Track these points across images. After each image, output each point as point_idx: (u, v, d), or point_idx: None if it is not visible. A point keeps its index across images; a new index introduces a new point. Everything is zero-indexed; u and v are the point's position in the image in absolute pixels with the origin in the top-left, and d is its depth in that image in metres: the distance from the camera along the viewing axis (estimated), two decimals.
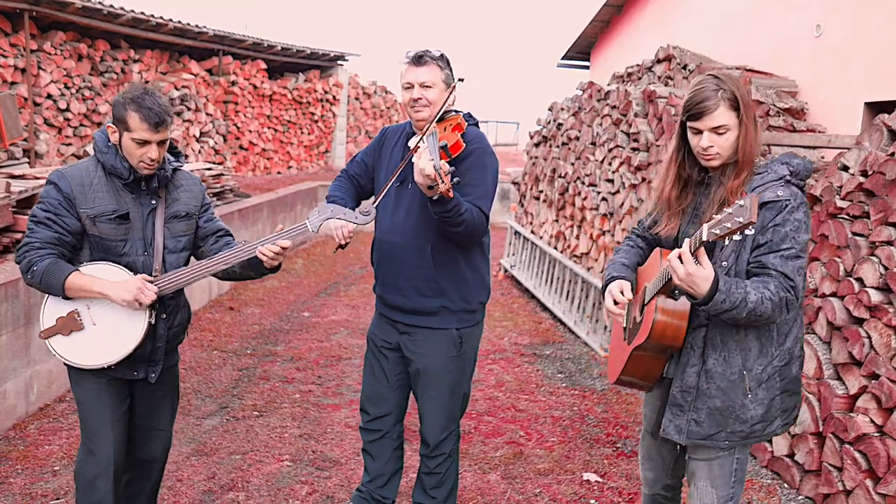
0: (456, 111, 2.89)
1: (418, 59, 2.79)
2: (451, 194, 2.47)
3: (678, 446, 2.43)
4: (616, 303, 2.33)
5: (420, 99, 2.78)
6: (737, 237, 1.88)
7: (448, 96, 2.78)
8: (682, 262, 1.98)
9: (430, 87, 2.78)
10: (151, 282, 2.53)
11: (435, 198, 2.52)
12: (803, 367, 2.30)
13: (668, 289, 2.14)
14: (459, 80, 2.78)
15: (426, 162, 2.44)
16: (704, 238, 1.93)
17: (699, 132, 2.17)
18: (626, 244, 2.55)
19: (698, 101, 2.14)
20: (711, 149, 2.16)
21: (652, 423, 2.49)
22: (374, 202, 2.80)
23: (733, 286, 2.03)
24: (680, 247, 2.03)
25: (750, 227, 1.84)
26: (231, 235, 2.82)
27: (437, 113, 2.74)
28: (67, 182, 2.50)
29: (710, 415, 2.22)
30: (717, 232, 1.90)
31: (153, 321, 2.57)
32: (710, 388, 2.21)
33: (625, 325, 2.45)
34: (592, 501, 3.58)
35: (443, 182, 2.41)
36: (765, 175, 2.17)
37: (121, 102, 2.46)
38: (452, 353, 2.91)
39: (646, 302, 2.27)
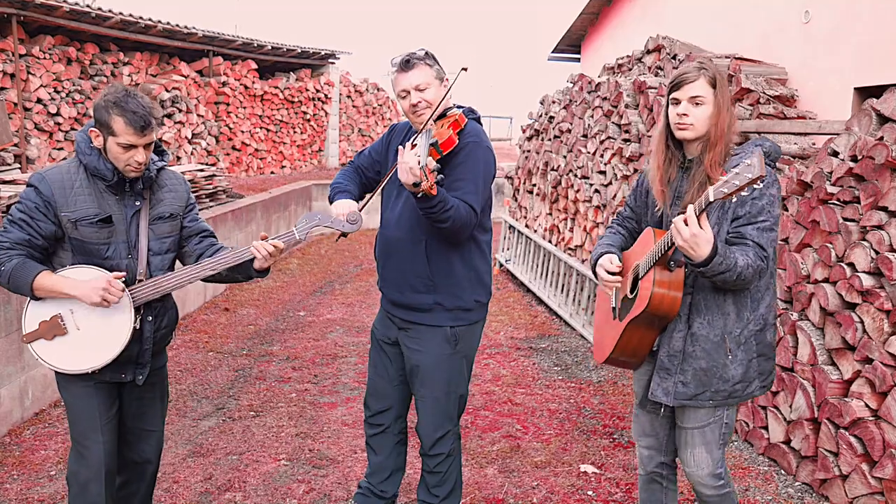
0: (459, 107, 2.85)
1: (406, 64, 2.73)
2: (433, 191, 2.47)
3: (671, 418, 2.59)
4: (610, 273, 2.48)
5: (419, 103, 2.73)
6: (744, 193, 2.03)
7: (446, 92, 2.75)
8: (686, 225, 2.14)
9: (424, 88, 2.73)
10: (128, 281, 2.49)
11: (419, 195, 2.50)
12: (776, 336, 2.58)
13: (665, 260, 2.30)
14: (463, 69, 2.74)
15: (412, 158, 2.42)
16: (711, 199, 2.06)
17: (678, 102, 2.35)
18: (609, 231, 2.73)
19: (681, 73, 2.36)
20: (686, 118, 2.33)
21: (641, 397, 2.65)
22: (362, 207, 2.80)
23: (727, 250, 2.21)
24: (665, 228, 2.24)
25: (759, 181, 1.96)
26: (214, 237, 2.78)
27: (434, 111, 2.71)
28: (48, 185, 2.45)
29: (695, 376, 2.40)
30: (725, 190, 2.02)
31: (138, 326, 2.54)
32: (695, 350, 2.39)
33: (613, 304, 2.58)
34: (590, 493, 3.58)
35: (426, 179, 2.40)
36: (741, 155, 2.35)
37: (103, 106, 2.39)
38: (447, 351, 2.85)
39: (640, 276, 2.41)
